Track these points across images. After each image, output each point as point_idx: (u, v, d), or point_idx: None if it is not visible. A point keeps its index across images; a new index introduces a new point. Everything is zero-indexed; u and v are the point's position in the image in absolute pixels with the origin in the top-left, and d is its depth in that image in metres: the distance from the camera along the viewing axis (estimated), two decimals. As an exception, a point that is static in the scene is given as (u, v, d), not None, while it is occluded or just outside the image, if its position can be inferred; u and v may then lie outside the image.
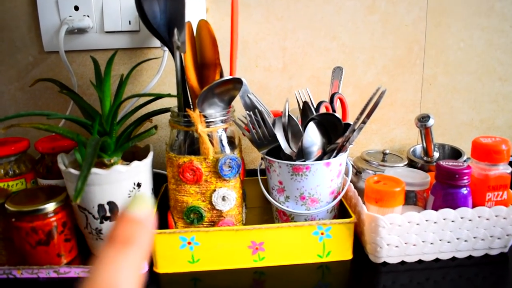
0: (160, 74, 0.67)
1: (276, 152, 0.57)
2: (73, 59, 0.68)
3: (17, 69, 0.69)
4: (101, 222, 0.53)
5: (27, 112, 0.52)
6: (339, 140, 0.55)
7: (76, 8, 0.66)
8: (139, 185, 0.54)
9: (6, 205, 0.53)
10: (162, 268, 0.54)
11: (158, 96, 0.57)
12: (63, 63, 0.66)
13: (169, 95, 0.55)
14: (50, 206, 0.53)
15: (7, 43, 0.68)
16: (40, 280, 0.54)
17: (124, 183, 0.53)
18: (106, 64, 0.56)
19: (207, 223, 0.56)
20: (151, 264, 0.54)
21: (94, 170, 0.50)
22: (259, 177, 0.59)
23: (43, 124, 0.53)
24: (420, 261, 0.54)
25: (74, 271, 0.53)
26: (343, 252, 0.55)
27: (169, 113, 0.57)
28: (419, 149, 0.70)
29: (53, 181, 0.60)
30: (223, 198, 0.55)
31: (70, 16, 0.66)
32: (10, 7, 0.67)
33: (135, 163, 0.53)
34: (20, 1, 0.67)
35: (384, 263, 0.54)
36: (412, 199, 0.59)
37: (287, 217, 0.57)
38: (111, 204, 0.53)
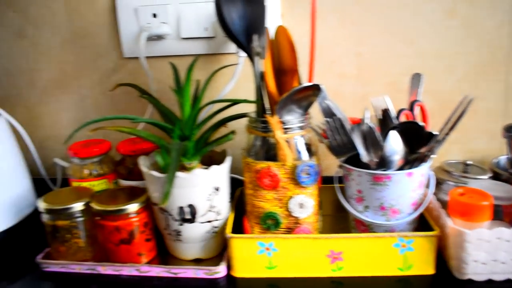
0: (235, 80, 0.69)
1: (353, 160, 0.57)
2: (150, 65, 0.72)
3: (99, 74, 0.74)
4: (181, 224, 0.56)
5: (113, 115, 0.56)
6: (422, 150, 0.54)
7: (154, 15, 0.70)
8: (217, 189, 0.56)
9: (91, 204, 0.57)
10: (239, 272, 0.55)
11: (236, 102, 0.58)
12: (141, 69, 0.70)
13: (247, 101, 0.57)
14: (133, 207, 0.56)
15: (90, 50, 0.73)
16: (122, 277, 0.57)
17: (204, 187, 0.55)
18: (186, 70, 0.58)
19: (283, 229, 0.56)
20: (229, 267, 0.56)
21: (177, 173, 0.52)
22: (336, 185, 0.59)
23: (127, 128, 0.56)
24: (509, 281, 0.52)
25: (155, 271, 0.56)
26: (425, 266, 0.53)
27: (242, 119, 0.59)
28: (503, 160, 0.67)
29: (134, 182, 0.63)
30: (301, 205, 0.55)
31: (148, 23, 0.70)
32: (93, 15, 0.72)
33: (215, 167, 0.55)
34: (102, 10, 0.72)
35: (470, 280, 0.52)
36: (498, 214, 0.56)
37: (366, 227, 0.56)
38: (191, 207, 0.55)
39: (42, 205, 0.57)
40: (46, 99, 0.77)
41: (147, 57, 0.71)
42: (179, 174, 0.53)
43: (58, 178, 0.75)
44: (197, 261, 0.58)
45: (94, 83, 0.74)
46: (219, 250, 0.59)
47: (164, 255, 0.60)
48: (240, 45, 0.58)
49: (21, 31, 0.75)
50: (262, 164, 0.55)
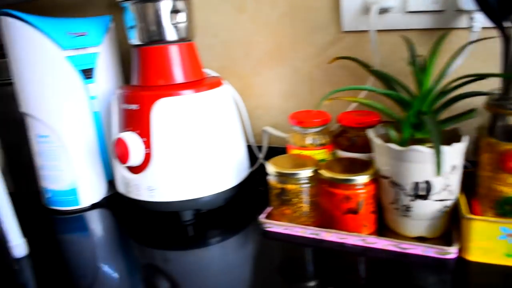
0: (463, 57, 0.69)
1: None
2: (369, 39, 0.76)
3: (315, 47, 0.80)
4: (413, 200, 0.59)
5: (352, 86, 0.61)
6: None
7: (379, -12, 0.73)
8: (454, 167, 0.58)
9: (321, 172, 0.63)
10: (473, 256, 0.56)
11: (483, 76, 0.59)
12: (360, 43, 0.74)
13: (501, 75, 0.57)
14: (364, 178, 0.60)
15: (308, 23, 0.79)
16: (345, 245, 0.62)
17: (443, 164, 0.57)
18: (434, 43, 0.61)
19: (521, 217, 0.56)
20: (459, 249, 0.58)
21: (418, 147, 0.55)
22: None
23: (364, 99, 0.61)
24: None
25: (382, 243, 0.60)
26: None
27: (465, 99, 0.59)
28: None
29: (354, 154, 0.68)
30: (550, 193, 0.55)
31: (372, -4, 0.73)
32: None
33: (456, 145, 0.57)
34: (325, -18, 0.77)
35: None
36: None
37: None
38: (427, 183, 0.57)
39: (272, 168, 0.65)
40: (260, 70, 0.86)
41: (366, 31, 0.75)
42: (421, 148, 0.56)
43: (263, 145, 0.83)
44: (420, 239, 0.61)
45: (309, 56, 0.81)
46: (444, 230, 0.61)
47: (382, 229, 0.64)
48: (493, 18, 0.58)
49: (242, 6, 0.84)
50: (510, 146, 0.55)
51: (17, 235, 0.65)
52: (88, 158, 0.80)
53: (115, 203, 0.82)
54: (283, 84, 0.85)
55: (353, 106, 0.77)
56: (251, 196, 0.79)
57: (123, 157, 0.68)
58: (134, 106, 0.68)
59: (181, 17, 0.69)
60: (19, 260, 0.65)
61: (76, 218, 0.79)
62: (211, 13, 0.86)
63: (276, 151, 0.85)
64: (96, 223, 0.78)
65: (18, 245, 0.65)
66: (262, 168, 0.85)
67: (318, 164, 0.65)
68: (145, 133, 0.68)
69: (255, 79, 0.87)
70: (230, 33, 0.87)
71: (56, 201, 0.80)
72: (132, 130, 0.69)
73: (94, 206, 0.82)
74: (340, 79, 0.79)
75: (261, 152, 0.85)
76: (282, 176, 0.64)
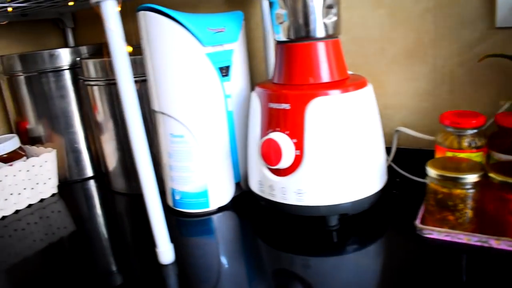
0: None
1: None
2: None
3: (459, 44, 0.82)
4: None
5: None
6: None
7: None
8: None
9: (492, 175, 0.65)
10: None
11: None
12: (512, 40, 0.76)
13: None
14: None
15: (454, 19, 0.81)
16: (518, 254, 0.64)
17: None
18: None
19: None
20: None
21: None
22: None
23: None
24: None
25: (561, 253, 0.62)
26: None
27: None
28: None
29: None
30: None
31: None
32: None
33: None
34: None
35: None
36: None
37: None
38: None
39: (434, 171, 0.67)
40: (394, 68, 0.89)
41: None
42: None
43: (393, 147, 0.86)
44: None
45: (452, 54, 0.83)
46: None
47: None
48: None
49: (380, 1, 0.87)
50: None
51: (165, 241, 0.69)
52: (220, 160, 0.84)
53: (240, 205, 0.87)
54: (420, 82, 0.87)
55: (504, 107, 0.79)
56: (385, 199, 0.82)
57: (274, 159, 0.71)
58: (285, 106, 0.72)
59: (333, 12, 0.72)
60: (165, 266, 0.69)
61: (206, 221, 0.83)
62: (344, 8, 0.89)
63: (403, 152, 0.88)
64: (227, 227, 0.82)
65: (166, 251, 0.69)
66: (390, 170, 0.88)
67: (484, 168, 0.67)
68: (296, 134, 0.71)
69: (389, 78, 0.90)
70: (364, 29, 0.90)
71: (185, 203, 0.85)
72: (281, 131, 0.72)
73: (220, 209, 0.86)
74: (487, 79, 0.81)
75: (390, 153, 0.87)
76: (447, 180, 0.67)
